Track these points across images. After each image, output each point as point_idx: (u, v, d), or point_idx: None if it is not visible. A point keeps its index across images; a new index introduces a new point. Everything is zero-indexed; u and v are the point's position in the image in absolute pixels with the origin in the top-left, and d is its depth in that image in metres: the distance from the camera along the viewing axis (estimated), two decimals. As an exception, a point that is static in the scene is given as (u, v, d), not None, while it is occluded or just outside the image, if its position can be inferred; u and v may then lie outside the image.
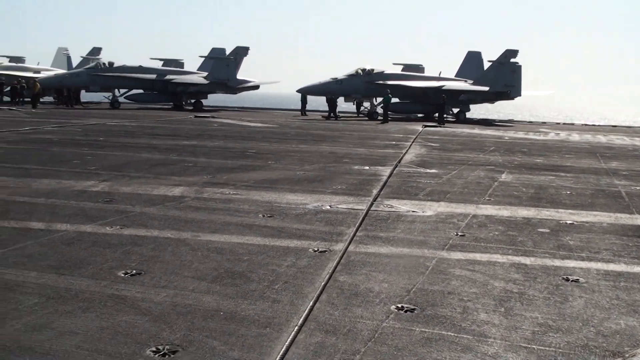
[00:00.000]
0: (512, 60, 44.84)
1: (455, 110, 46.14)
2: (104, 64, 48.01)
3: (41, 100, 46.64)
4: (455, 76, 49.42)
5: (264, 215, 8.78)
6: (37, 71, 52.21)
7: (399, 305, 5.31)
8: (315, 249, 7.03)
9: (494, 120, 48.89)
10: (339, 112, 47.50)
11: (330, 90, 43.86)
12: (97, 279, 5.73)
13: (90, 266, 6.10)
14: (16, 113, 34.42)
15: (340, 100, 45.41)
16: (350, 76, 44.08)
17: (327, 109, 45.68)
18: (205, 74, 50.62)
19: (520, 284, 6.07)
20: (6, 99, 46.52)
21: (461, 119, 45.01)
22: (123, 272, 5.94)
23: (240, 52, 51.05)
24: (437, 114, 42.13)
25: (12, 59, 55.51)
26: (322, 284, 5.78)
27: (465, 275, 6.29)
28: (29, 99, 44.49)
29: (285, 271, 6.18)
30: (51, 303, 5.06)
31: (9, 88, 48.29)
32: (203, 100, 51.59)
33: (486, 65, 47.24)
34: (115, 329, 4.59)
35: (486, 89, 44.37)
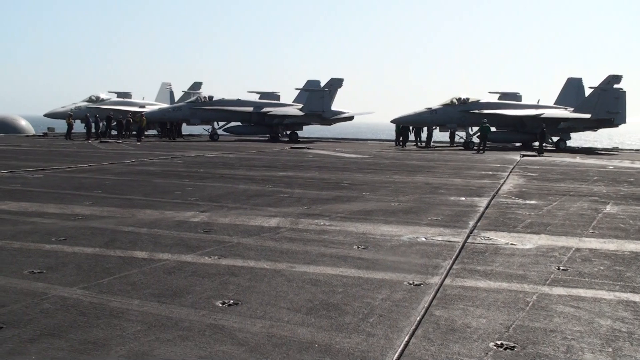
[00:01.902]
0: (616, 86, 43.17)
1: (555, 138, 44.73)
2: (204, 97, 49.86)
3: (146, 133, 48.83)
4: (555, 104, 48.01)
5: (358, 247, 8.76)
6: (142, 105, 54.78)
7: (498, 342, 5.14)
8: (411, 282, 6.93)
9: (596, 149, 47.02)
10: (434, 142, 47.11)
11: (425, 120, 43.68)
12: (196, 308, 5.87)
13: (189, 295, 6.27)
14: (123, 146, 36.17)
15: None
16: (445, 105, 43.74)
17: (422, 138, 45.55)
18: (300, 105, 51.57)
19: (629, 322, 5.74)
20: (114, 132, 48.97)
21: (561, 148, 43.59)
22: (221, 301, 6.06)
23: (335, 84, 51.67)
24: (536, 143, 40.99)
25: (120, 94, 58.52)
26: (418, 318, 5.69)
27: (569, 312, 6.02)
28: (135, 132, 46.68)
29: (380, 304, 6.12)
30: (153, 331, 5.23)
31: (115, 122, 50.86)
32: (298, 132, 52.48)
33: (587, 92, 45.68)
34: (213, 359, 4.68)
35: (588, 116, 42.85)
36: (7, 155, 26.20)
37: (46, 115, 53.54)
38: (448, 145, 46.81)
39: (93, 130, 46.10)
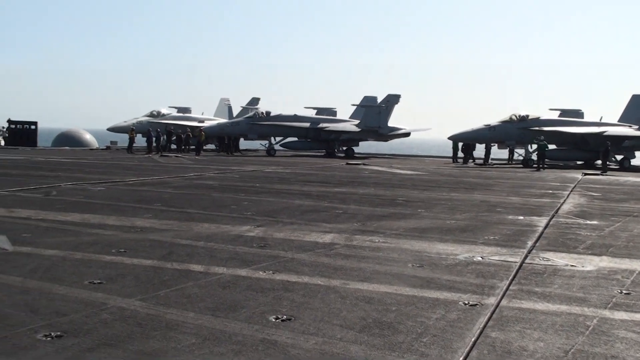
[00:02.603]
0: (684, 103, 41.76)
1: (619, 157, 43.46)
2: (261, 113, 50.48)
3: (204, 147, 49.69)
4: (619, 121, 46.68)
5: (413, 265, 8.69)
6: (202, 120, 55.77)
7: (556, 367, 5.00)
8: (466, 302, 6.82)
9: (662, 168, 45.45)
10: (492, 159, 46.45)
11: (483, 137, 43.12)
12: (250, 322, 5.91)
13: (243, 309, 6.32)
14: (182, 160, 36.88)
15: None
16: (504, 122, 43.08)
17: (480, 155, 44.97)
18: (357, 121, 51.65)
19: (695, 351, 5.51)
20: (173, 146, 50.03)
21: (625, 167, 42.31)
22: (274, 317, 6.09)
23: (392, 100, 51.58)
24: (599, 161, 39.94)
25: (180, 109, 59.73)
26: (473, 339, 5.59)
27: (632, 338, 5.81)
28: (194, 147, 47.57)
29: (434, 324, 6.04)
30: (207, 344, 5.29)
31: (174, 137, 51.95)
32: (354, 148, 52.50)
33: (655, 108, 44.31)
34: (265, 374, 4.70)
35: (654, 134, 41.54)
36: (72, 168, 27.04)
37: (109, 130, 55.12)
38: (506, 162, 46.00)
39: (154, 144, 47.18)
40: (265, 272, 7.99)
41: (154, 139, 47.20)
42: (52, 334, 5.37)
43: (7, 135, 52.57)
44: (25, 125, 53.56)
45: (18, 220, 11.65)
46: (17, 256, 8.51)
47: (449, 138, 44.01)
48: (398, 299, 6.88)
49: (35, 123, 54.01)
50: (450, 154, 47.44)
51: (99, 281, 7.25)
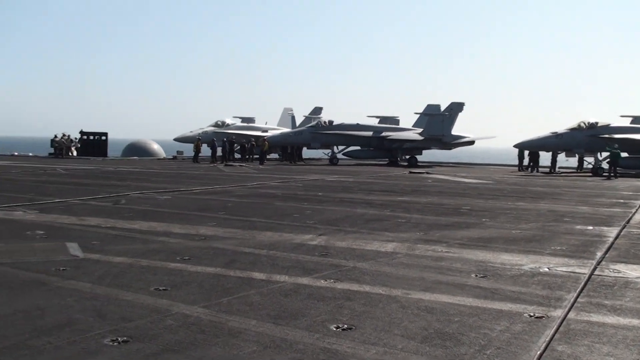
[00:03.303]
0: None
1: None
2: (324, 122, 50.71)
3: (267, 156, 50.23)
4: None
5: (476, 275, 8.53)
6: (265, 130, 56.44)
7: (627, 383, 4.81)
8: (531, 314, 6.65)
9: None
10: (559, 167, 45.31)
11: (550, 144, 42.06)
12: (311, 331, 5.92)
13: (304, 318, 6.34)
14: (246, 169, 37.37)
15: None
16: (572, 130, 41.90)
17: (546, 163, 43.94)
18: (420, 130, 51.26)
19: None
20: (237, 155, 50.80)
21: (703, 175, 40.54)
22: (335, 325, 6.08)
23: (455, 108, 50.97)
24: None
25: (244, 119, 60.67)
26: (539, 352, 5.44)
27: None
28: (258, 156, 48.18)
29: (498, 336, 5.91)
30: (268, 352, 5.32)
31: (239, 147, 52.80)
32: (418, 156, 52.08)
33: None
34: (325, 383, 4.69)
35: None
36: (140, 177, 27.77)
37: (176, 140, 56.42)
38: (575, 170, 44.73)
39: (219, 154, 48.02)
40: (326, 280, 8.00)
41: (219, 148, 48.03)
42: (119, 339, 5.51)
43: (79, 145, 54.41)
44: (96, 136, 55.39)
45: (88, 228, 12.03)
46: (87, 263, 8.78)
47: (515, 146, 43.13)
48: (461, 310, 6.76)
49: (105, 134, 55.78)
50: (516, 162, 46.53)
51: (164, 288, 7.40)
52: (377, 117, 56.53)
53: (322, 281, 7.96)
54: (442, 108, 51.22)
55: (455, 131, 51.22)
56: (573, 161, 46.09)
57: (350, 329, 6.01)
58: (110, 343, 5.42)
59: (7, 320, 6.01)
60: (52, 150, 53.92)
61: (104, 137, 55.42)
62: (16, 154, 57.02)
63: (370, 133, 50.76)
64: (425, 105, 53.05)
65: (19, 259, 8.94)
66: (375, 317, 6.42)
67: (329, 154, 50.83)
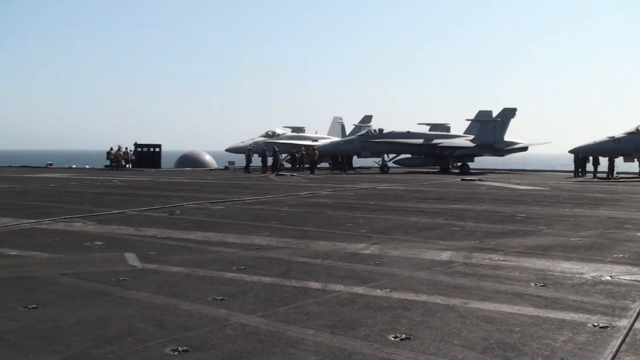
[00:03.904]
0: None
1: None
2: (374, 130, 50.67)
3: (318, 165, 50.41)
4: None
5: (535, 284, 8.34)
6: (315, 139, 56.67)
7: (701, 397, 4.62)
8: (595, 324, 6.46)
9: None
10: (617, 172, 44.16)
11: (607, 149, 41.01)
12: (369, 340, 5.88)
13: (362, 328, 6.30)
14: (297, 178, 37.55)
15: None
16: (629, 134, 40.77)
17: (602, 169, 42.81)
18: (471, 137, 50.72)
19: None
20: (287, 165, 51.09)
21: None
22: (393, 335, 6.03)
23: (508, 114, 50.26)
24: None
25: (294, 129, 61.07)
26: (605, 363, 5.28)
27: None
28: (308, 165, 48.40)
29: (562, 346, 5.76)
30: (327, 362, 5.30)
31: (289, 156, 53.14)
32: (469, 163, 51.52)
33: None
34: (386, 394, 4.64)
35: None
36: (193, 188, 28.19)
37: (227, 150, 57.13)
38: (637, 176, 43.42)
39: (270, 163, 48.41)
40: (382, 290, 7.94)
41: (270, 158, 48.41)
42: (179, 348, 5.57)
43: (133, 157, 55.62)
44: (150, 148, 56.56)
45: (145, 239, 12.26)
46: (145, 273, 8.93)
47: (571, 151, 42.23)
48: (521, 320, 6.62)
49: (159, 146, 56.95)
50: (572, 168, 45.55)
51: (221, 298, 7.46)
52: (427, 124, 56.17)
53: (377, 290, 7.91)
54: (494, 114, 50.55)
55: (507, 137, 50.49)
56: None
57: (408, 339, 5.94)
58: (172, 352, 5.49)
59: (71, 330, 6.15)
60: (107, 163, 55.28)
61: (157, 149, 56.57)
62: (74, 166, 58.68)
63: (421, 141, 50.47)
64: (477, 112, 52.44)
65: (80, 269, 9.16)
66: (433, 327, 6.34)
67: (380, 162, 50.69)
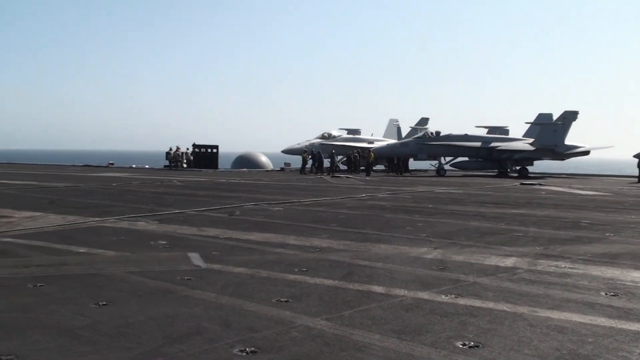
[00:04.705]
0: None
1: None
2: (431, 133, 50.20)
3: (374, 168, 50.23)
4: None
5: (606, 294, 8.09)
6: (371, 142, 56.53)
7: None
8: (674, 337, 6.22)
9: None
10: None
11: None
12: (437, 347, 5.80)
13: (428, 334, 6.22)
14: (353, 180, 37.49)
15: None
16: (700, 138, 39.21)
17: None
18: (531, 140, 49.73)
19: None
20: (343, 167, 51.08)
21: None
22: (461, 343, 5.93)
23: (569, 117, 49.07)
24: None
25: (350, 131, 60.98)
26: (686, 379, 5.06)
27: None
28: (363, 167, 48.29)
29: (638, 359, 5.56)
30: (395, 368, 5.25)
31: (345, 158, 53.14)
32: (528, 167, 50.51)
33: None
34: (457, 402, 4.57)
35: None
36: (251, 189, 28.46)
37: (283, 152, 57.49)
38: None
39: (326, 165, 48.53)
40: (447, 295, 7.83)
41: (327, 160, 48.52)
42: (247, 349, 5.61)
43: (192, 158, 56.54)
44: (208, 149, 57.39)
45: (207, 239, 12.41)
46: (209, 273, 9.04)
47: (635, 156, 40.95)
48: (594, 330, 6.42)
49: (216, 147, 57.68)
50: (636, 173, 44.13)
51: (285, 299, 7.49)
52: (485, 127, 55.31)
53: (442, 296, 7.81)
54: (555, 117, 49.44)
55: (568, 141, 49.30)
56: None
57: (477, 346, 5.83)
58: (240, 353, 5.52)
59: (141, 328, 6.27)
60: (166, 163, 56.34)
61: (215, 150, 57.32)
62: (134, 166, 59.99)
63: (478, 144, 49.74)
64: (537, 115, 51.37)
65: (146, 267, 9.33)
66: (502, 335, 6.21)
67: (436, 165, 50.17)
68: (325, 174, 45.84)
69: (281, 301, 7.41)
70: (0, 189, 25.60)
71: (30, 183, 29.83)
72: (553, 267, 9.85)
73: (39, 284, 8.11)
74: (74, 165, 60.74)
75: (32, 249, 11.03)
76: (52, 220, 15.08)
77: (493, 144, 49.71)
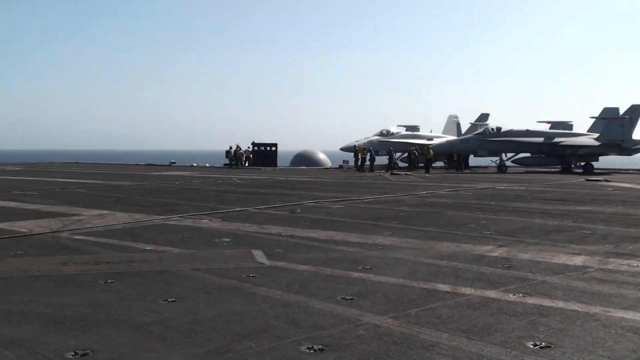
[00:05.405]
0: None
1: None
2: (491, 129, 49.34)
3: (433, 165, 49.72)
4: None
5: (683, 294, 7.79)
6: (430, 138, 55.93)
7: None
8: None
9: None
10: None
11: None
12: (507, 347, 5.69)
13: (498, 333, 6.11)
14: (412, 178, 37.22)
15: None
16: None
17: None
18: (596, 135, 48.29)
19: None
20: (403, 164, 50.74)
21: None
22: (532, 343, 5.80)
23: (637, 111, 47.47)
24: None
25: (408, 127, 60.51)
26: None
27: None
28: (422, 164, 47.88)
29: None
30: (465, 367, 5.18)
31: (405, 155, 52.83)
32: (594, 163, 49.09)
33: None
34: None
35: None
36: (310, 186, 28.57)
37: (342, 149, 57.47)
38: None
39: (374, 162, 48.39)
40: (515, 294, 7.68)
41: (383, 157, 48.35)
42: (315, 347, 5.63)
43: (251, 156, 57.16)
44: (267, 147, 57.91)
45: (270, 236, 12.52)
46: (274, 270, 9.11)
47: None
48: (672, 332, 6.19)
49: (275, 145, 58.15)
50: None
51: (350, 297, 7.48)
52: (548, 122, 53.99)
53: (510, 295, 7.66)
54: (622, 111, 47.88)
55: (636, 135, 47.69)
56: None
57: (548, 347, 5.70)
58: (307, 351, 5.55)
59: (210, 324, 6.36)
60: (226, 161, 57.13)
61: (273, 148, 57.79)
62: (195, 165, 61.03)
63: (541, 139, 48.59)
64: (602, 109, 49.85)
65: (212, 265, 9.47)
66: (574, 336, 6.05)
67: (497, 162, 49.31)
68: (383, 171, 45.64)
69: (346, 299, 7.40)
70: (70, 187, 26.44)
71: (98, 182, 30.71)
72: (625, 266, 9.54)
73: (109, 281, 8.33)
74: (137, 164, 62.22)
75: (101, 246, 11.35)
76: (119, 218, 15.49)
77: (556, 140, 48.49)
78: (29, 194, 23.21)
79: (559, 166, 49.58)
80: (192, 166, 58.15)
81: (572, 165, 48.78)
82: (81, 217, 15.58)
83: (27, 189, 25.23)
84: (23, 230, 13.32)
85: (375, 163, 49.09)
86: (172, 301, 7.28)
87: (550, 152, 48.75)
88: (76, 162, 65.37)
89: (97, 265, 9.43)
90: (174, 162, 62.51)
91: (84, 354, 5.45)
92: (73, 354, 5.45)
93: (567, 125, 53.55)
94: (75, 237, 12.46)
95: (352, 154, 52.59)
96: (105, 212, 16.78)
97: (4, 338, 5.89)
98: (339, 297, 7.47)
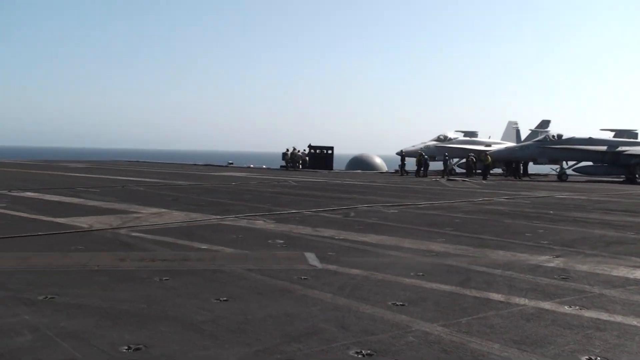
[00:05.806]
0: None
1: None
2: (552, 136, 48.35)
3: (491, 172, 48.99)
4: None
5: None
6: (488, 144, 55.13)
7: None
8: None
9: None
10: None
11: None
12: (560, 361, 5.56)
13: (551, 346, 5.97)
14: (469, 184, 36.74)
15: None
16: None
17: None
18: (663, 144, 46.71)
19: None
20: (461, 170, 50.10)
21: None
22: (586, 357, 5.65)
23: None
24: None
25: (466, 133, 59.81)
26: None
27: None
28: (480, 171, 47.23)
29: None
30: (516, 379, 5.08)
31: (463, 160, 52.20)
32: (660, 174, 47.51)
33: None
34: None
35: None
36: (365, 190, 28.53)
37: (398, 154, 57.21)
38: None
39: (429, 168, 48.00)
40: (571, 307, 7.49)
41: (443, 163, 47.91)
42: (363, 351, 5.61)
43: (307, 158, 57.46)
44: (323, 150, 58.11)
45: (323, 239, 12.55)
46: (326, 273, 9.13)
47: None
48: None
49: (331, 148, 58.30)
50: None
51: (401, 303, 7.43)
52: (611, 130, 52.53)
53: (566, 307, 7.48)
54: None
55: None
56: None
57: (604, 362, 5.55)
58: (355, 355, 5.54)
59: (261, 325, 6.42)
60: (283, 163, 57.59)
61: (330, 151, 57.95)
62: (251, 166, 61.74)
63: (604, 147, 47.34)
64: (670, 117, 48.22)
65: (264, 266, 9.56)
66: (632, 352, 5.87)
67: (557, 170, 48.25)
68: (439, 177, 45.21)
69: (397, 305, 7.36)
70: (130, 186, 27.10)
71: (157, 181, 31.38)
72: (689, 282, 9.19)
73: (164, 278, 8.51)
74: (195, 164, 63.31)
75: (158, 244, 11.59)
76: (176, 216, 15.80)
77: (620, 148, 47.17)
78: (91, 190, 23.91)
79: (623, 176, 48.18)
80: (249, 167, 58.84)
81: (637, 175, 47.32)
82: (139, 215, 15.95)
83: (90, 186, 25.99)
84: (84, 226, 13.73)
85: (429, 169, 48.70)
86: (224, 300, 7.38)
87: (614, 161, 47.46)
88: (137, 161, 66.94)
89: (152, 262, 9.63)
90: (232, 163, 63.37)
91: (137, 349, 5.57)
92: (127, 347, 5.59)
93: (632, 134, 51.98)
94: (133, 234, 12.76)
95: (414, 159, 52.18)
96: (162, 210, 17.13)
97: (62, 330, 6.08)
98: (389, 303, 7.44)
